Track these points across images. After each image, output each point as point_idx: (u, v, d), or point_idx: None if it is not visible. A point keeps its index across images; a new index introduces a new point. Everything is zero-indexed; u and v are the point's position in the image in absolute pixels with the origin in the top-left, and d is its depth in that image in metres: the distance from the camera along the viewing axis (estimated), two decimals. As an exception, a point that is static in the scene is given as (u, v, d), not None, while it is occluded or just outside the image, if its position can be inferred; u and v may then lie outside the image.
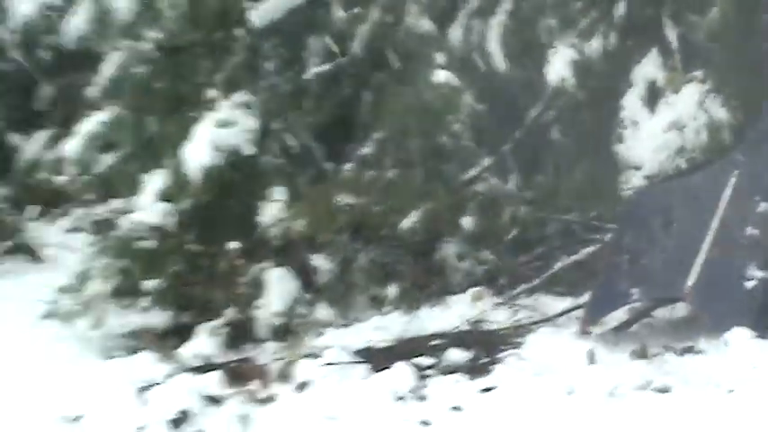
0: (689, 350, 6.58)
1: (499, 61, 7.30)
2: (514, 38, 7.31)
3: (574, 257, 7.25)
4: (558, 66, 7.08)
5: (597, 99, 7.26)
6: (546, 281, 7.21)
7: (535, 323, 7.02)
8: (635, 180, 7.93)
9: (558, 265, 7.19)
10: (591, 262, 7.17)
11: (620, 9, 7.99)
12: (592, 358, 6.35)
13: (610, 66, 7.18)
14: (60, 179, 8.79)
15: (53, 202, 9.32)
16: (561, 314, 7.01)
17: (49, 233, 9.30)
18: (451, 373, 6.47)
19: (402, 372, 6.36)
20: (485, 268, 7.32)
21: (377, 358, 6.59)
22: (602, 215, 7.23)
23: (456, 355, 6.59)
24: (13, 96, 9.69)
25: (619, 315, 6.87)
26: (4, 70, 9.80)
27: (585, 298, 6.99)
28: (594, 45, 7.25)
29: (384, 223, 7.29)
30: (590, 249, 7.22)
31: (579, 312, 6.96)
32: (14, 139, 9.61)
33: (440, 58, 7.23)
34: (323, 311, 7.37)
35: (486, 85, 7.28)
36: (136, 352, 7.20)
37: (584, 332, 6.73)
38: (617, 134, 7.23)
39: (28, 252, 9.22)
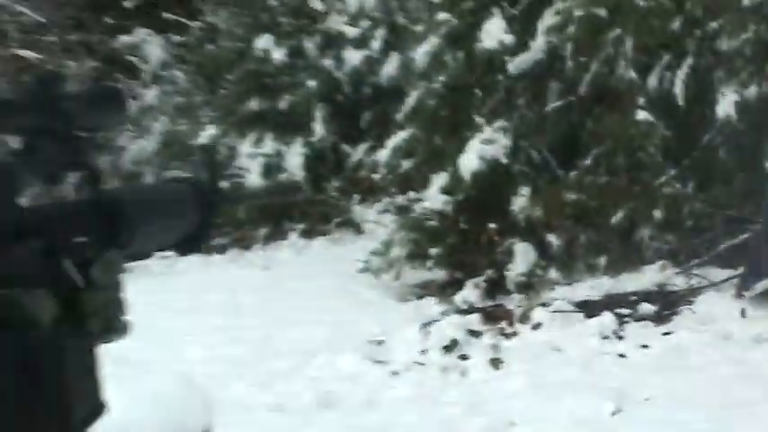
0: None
1: (682, 101, 7.41)
2: (694, 85, 7.41)
3: (733, 241, 7.39)
4: (725, 105, 7.14)
5: (752, 129, 7.31)
6: (713, 257, 7.39)
7: (704, 287, 7.21)
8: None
9: (721, 246, 7.34)
10: (745, 245, 7.27)
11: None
12: (743, 314, 6.78)
13: (762, 105, 7.21)
14: (375, 176, 9.35)
15: (370, 191, 9.85)
16: (723, 281, 7.16)
17: (367, 213, 9.96)
18: (642, 320, 6.99)
19: (607, 319, 6.86)
20: (669, 247, 7.53)
21: (590, 308, 7.06)
22: (754, 211, 7.26)
23: (646, 308, 7.05)
24: (345, 119, 10.21)
25: (765, 284, 6.88)
26: (339, 101, 10.23)
27: (741, 270, 7.13)
28: (752, 90, 7.25)
29: (598, 213, 7.55)
30: (745, 235, 7.31)
31: (736, 281, 7.11)
32: (345, 148, 10.23)
33: (641, 99, 7.45)
34: (553, 274, 7.66)
35: (672, 118, 7.47)
36: (422, 298, 8.01)
37: (739, 295, 6.95)
38: (766, 153, 7.20)
39: (353, 226, 10.00)
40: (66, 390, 1.17)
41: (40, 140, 1.21)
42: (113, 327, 1.21)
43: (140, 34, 12.90)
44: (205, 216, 1.43)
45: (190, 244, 1.44)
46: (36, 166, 1.22)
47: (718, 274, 7.29)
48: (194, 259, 9.06)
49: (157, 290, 7.96)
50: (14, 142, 1.22)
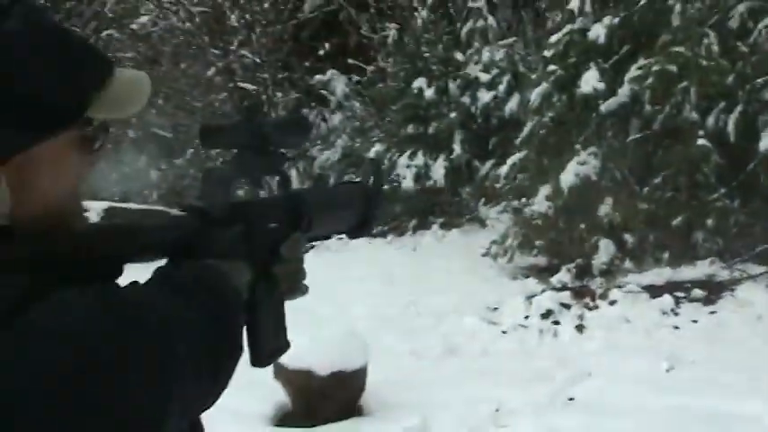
0: None
1: (733, 137, 7.13)
2: (743, 125, 7.13)
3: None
4: (766, 141, 6.88)
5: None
6: (752, 256, 7.17)
7: (743, 279, 7.05)
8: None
9: (759, 248, 7.12)
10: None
11: None
12: (774, 299, 6.51)
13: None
14: (497, 185, 9.16)
15: (493, 196, 9.62)
16: (759, 275, 7.01)
17: (489, 213, 9.77)
18: (693, 302, 6.83)
19: (667, 299, 6.78)
20: (717, 247, 7.34)
21: (654, 291, 6.97)
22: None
23: (697, 292, 6.89)
24: (477, 142, 10.12)
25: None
26: (473, 128, 10.17)
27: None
28: None
29: (664, 219, 7.39)
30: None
31: (768, 275, 6.83)
32: (476, 163, 10.12)
33: (701, 133, 7.21)
34: (627, 264, 7.51)
35: (725, 150, 7.22)
36: (527, 277, 7.93)
37: (773, 285, 6.65)
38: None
39: (479, 222, 9.82)
40: (258, 331, 1.17)
41: (246, 154, 1.21)
42: (296, 288, 1.23)
43: (330, 74, 13.12)
44: (370, 209, 1.39)
45: (358, 230, 1.41)
46: (243, 172, 1.22)
47: (755, 269, 7.14)
48: (362, 241, 9.29)
49: (334, 262, 8.16)
50: (227, 156, 1.22)
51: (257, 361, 1.17)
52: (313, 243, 1.34)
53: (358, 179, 1.45)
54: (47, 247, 0.99)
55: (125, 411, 0.89)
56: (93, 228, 1.12)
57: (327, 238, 1.40)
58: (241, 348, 1.09)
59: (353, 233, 1.41)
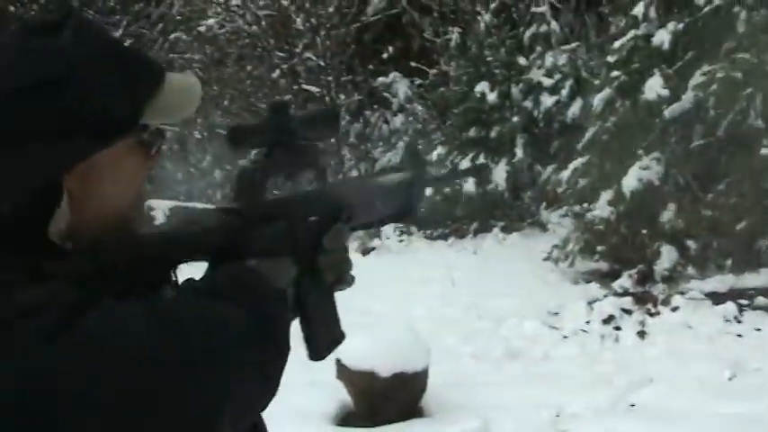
0: None
1: None
2: None
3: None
4: None
5: None
6: None
7: None
8: None
9: None
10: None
11: None
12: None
13: None
14: (559, 190, 9.06)
15: (554, 201, 9.65)
16: None
17: (551, 217, 9.84)
18: (757, 309, 6.74)
19: (730, 306, 6.70)
20: None
21: (717, 298, 6.89)
22: None
23: (761, 300, 6.80)
24: (538, 146, 10.12)
25: None
26: (535, 132, 10.20)
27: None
28: None
29: (727, 226, 7.26)
30: None
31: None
32: (538, 167, 10.09)
33: (765, 141, 7.09)
34: (690, 270, 7.47)
35: None
36: (589, 282, 7.90)
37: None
38: None
39: (540, 226, 9.89)
40: (310, 325, 1.18)
41: (277, 151, 1.19)
42: (343, 279, 1.22)
43: (392, 76, 13.28)
44: (413, 194, 1.35)
45: (403, 215, 1.37)
46: (276, 169, 1.20)
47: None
48: (423, 243, 9.46)
49: (394, 264, 8.32)
50: (257, 154, 1.22)
51: (314, 354, 1.18)
52: (372, 246, 1.39)
53: (400, 166, 1.42)
54: (100, 258, 1.03)
55: (178, 415, 0.93)
56: (143, 236, 1.13)
57: (374, 225, 1.39)
58: (288, 347, 1.09)
59: (400, 218, 1.38)
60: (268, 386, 1.06)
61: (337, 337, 1.21)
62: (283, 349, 1.08)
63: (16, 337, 0.89)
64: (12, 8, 14.91)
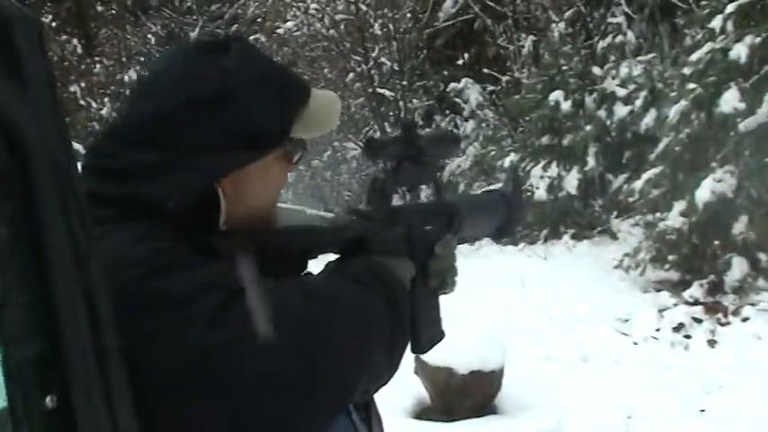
0: None
1: None
2: None
3: None
4: None
5: None
6: None
7: None
8: None
9: None
10: None
11: None
12: None
13: None
14: (630, 199, 9.02)
15: (626, 210, 9.57)
16: None
17: (621, 226, 9.72)
18: None
19: None
20: None
21: None
22: None
23: None
24: (611, 155, 10.02)
25: None
26: (608, 142, 10.06)
27: None
28: None
29: None
30: None
31: None
32: (610, 177, 10.01)
33: None
34: (761, 282, 7.38)
35: None
36: (659, 291, 7.83)
37: None
38: None
39: (610, 234, 9.76)
40: (417, 320, 1.27)
41: (405, 165, 1.29)
42: (446, 284, 1.32)
43: (464, 82, 13.29)
44: (511, 215, 1.47)
45: (501, 233, 1.49)
46: (402, 181, 1.30)
47: None
48: (494, 248, 9.53)
49: (466, 267, 8.52)
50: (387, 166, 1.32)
51: (417, 348, 1.29)
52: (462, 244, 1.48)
53: (498, 187, 1.54)
54: (259, 241, 1.15)
55: (331, 374, 1.07)
56: (285, 228, 1.25)
57: (476, 239, 1.53)
58: (408, 335, 1.22)
59: (497, 236, 1.50)
60: (392, 365, 1.20)
61: (438, 335, 1.34)
62: (406, 335, 1.22)
63: (194, 309, 1.01)
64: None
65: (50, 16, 15.65)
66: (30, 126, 0.72)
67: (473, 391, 5.51)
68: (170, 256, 1.06)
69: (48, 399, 0.72)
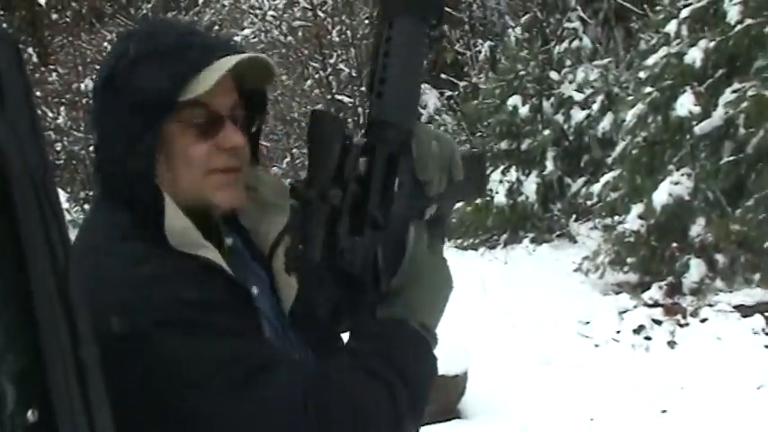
0: None
1: None
2: None
3: None
4: None
5: None
6: None
7: None
8: None
9: None
10: None
11: None
12: None
13: None
14: (589, 202, 9.39)
15: (584, 213, 9.76)
16: None
17: (580, 229, 9.90)
18: None
19: (757, 319, 6.69)
20: None
21: (744, 311, 6.91)
22: None
23: None
24: (569, 159, 10.23)
25: None
26: (566, 146, 10.19)
27: None
28: None
29: (755, 241, 7.25)
30: None
31: None
32: (568, 180, 10.19)
33: None
34: (718, 283, 7.49)
35: None
36: (619, 293, 7.87)
37: None
38: None
39: (569, 238, 9.88)
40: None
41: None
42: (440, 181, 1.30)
43: (422, 88, 13.56)
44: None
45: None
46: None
47: None
48: (454, 253, 9.55)
49: None
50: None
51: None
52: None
53: None
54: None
55: None
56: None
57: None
58: (418, 411, 1.24)
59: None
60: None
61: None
62: (423, 411, 1.25)
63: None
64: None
65: (4, 24, 15.45)
66: (8, 141, 0.72)
67: (437, 396, 5.42)
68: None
69: (29, 413, 0.72)
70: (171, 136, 1.24)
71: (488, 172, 1.50)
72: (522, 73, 10.39)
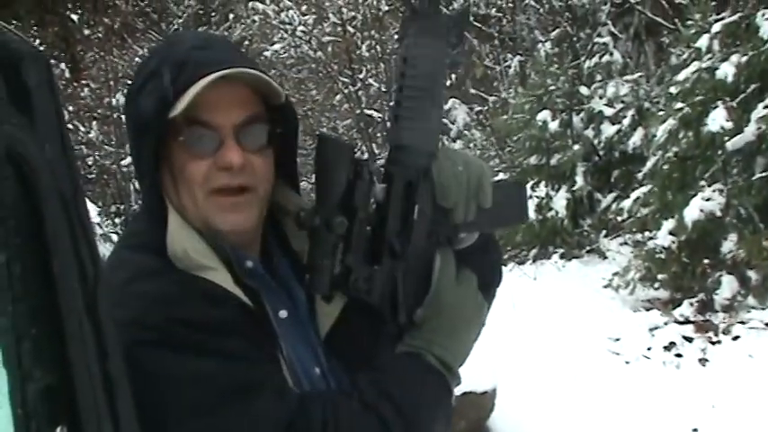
0: None
1: None
2: None
3: None
4: None
5: None
6: None
7: None
8: None
9: None
10: None
11: None
12: None
13: None
14: (619, 218, 9.07)
15: (614, 229, 9.57)
16: None
17: (610, 245, 9.69)
18: None
19: None
20: None
21: None
22: None
23: None
24: (599, 174, 10.03)
25: None
26: (596, 161, 10.10)
27: None
28: None
29: None
30: None
31: None
32: (598, 196, 10.06)
33: None
34: (750, 300, 7.39)
35: None
36: (650, 310, 7.78)
37: None
38: None
39: (599, 253, 9.73)
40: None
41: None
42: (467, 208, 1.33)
43: (451, 102, 13.36)
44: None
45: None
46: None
47: None
48: None
49: None
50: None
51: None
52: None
53: None
54: None
55: None
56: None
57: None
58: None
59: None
60: None
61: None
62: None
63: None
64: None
65: (37, 40, 15.72)
66: (38, 159, 0.73)
67: (466, 413, 5.48)
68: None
69: (58, 430, 0.72)
70: (171, 154, 1.24)
71: (527, 198, 1.49)
72: (552, 88, 10.34)
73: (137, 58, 15.10)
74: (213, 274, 1.19)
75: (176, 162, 1.22)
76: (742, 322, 7.15)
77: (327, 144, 1.23)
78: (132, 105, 1.23)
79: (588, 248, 9.96)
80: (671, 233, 7.96)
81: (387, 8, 13.30)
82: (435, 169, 1.23)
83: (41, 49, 0.72)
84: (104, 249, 11.18)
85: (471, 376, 5.22)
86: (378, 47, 13.36)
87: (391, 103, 1.26)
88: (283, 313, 1.28)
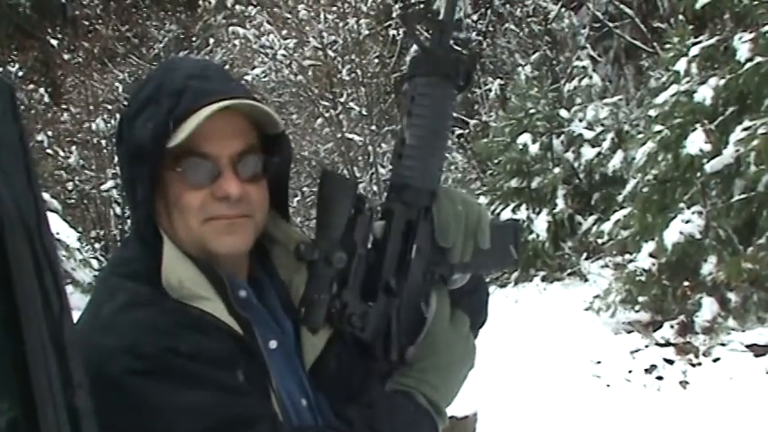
0: None
1: None
2: None
3: None
4: None
5: None
6: None
7: None
8: None
9: None
10: None
11: None
12: None
13: None
14: (600, 240, 9.12)
15: (595, 251, 9.66)
16: None
17: (591, 268, 9.70)
18: None
19: None
20: None
21: (757, 350, 6.80)
22: None
23: None
24: (580, 197, 10.21)
25: None
26: (576, 184, 10.25)
27: None
28: None
29: (764, 277, 7.24)
30: None
31: None
32: (579, 218, 10.14)
33: None
34: (731, 322, 7.37)
35: None
36: (630, 332, 7.79)
37: None
38: None
39: (580, 276, 9.79)
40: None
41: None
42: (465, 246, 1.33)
43: None
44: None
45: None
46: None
47: None
48: None
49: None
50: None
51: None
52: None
53: None
54: None
55: None
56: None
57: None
58: None
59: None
60: None
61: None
62: None
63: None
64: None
65: (16, 65, 15.68)
66: (2, 189, 0.72)
67: (447, 438, 5.50)
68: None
69: (22, 463, 0.71)
70: (166, 184, 1.23)
71: (521, 240, 1.49)
72: (533, 111, 10.41)
73: (117, 83, 15.12)
74: (207, 303, 1.19)
75: (171, 191, 1.21)
76: (722, 344, 7.14)
77: (330, 179, 1.24)
78: (127, 132, 1.22)
79: (569, 271, 9.99)
80: (651, 255, 7.98)
81: (367, 32, 13.45)
82: (435, 208, 1.24)
83: (8, 77, 0.71)
84: (84, 275, 11.11)
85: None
86: (358, 70, 13.42)
87: (395, 141, 1.26)
88: (273, 344, 1.27)
